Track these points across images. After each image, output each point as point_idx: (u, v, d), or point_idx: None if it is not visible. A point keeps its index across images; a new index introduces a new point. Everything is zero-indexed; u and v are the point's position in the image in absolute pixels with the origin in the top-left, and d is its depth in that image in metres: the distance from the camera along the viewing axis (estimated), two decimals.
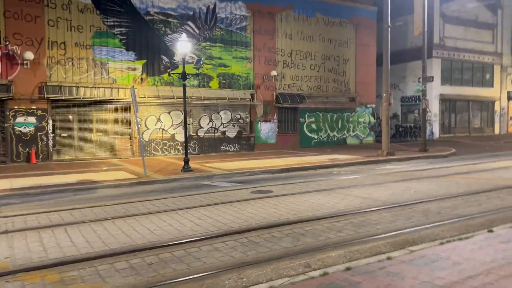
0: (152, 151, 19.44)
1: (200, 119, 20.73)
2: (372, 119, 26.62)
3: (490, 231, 5.87)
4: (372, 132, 26.77)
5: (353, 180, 12.03)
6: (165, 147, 19.73)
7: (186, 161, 13.89)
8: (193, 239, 6.28)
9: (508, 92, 33.51)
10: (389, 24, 18.67)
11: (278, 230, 6.63)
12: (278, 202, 8.89)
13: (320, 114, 24.73)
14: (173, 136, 19.89)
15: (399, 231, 6.42)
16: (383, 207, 8.06)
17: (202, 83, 20.71)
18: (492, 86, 32.72)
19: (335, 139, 25.40)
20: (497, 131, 33.05)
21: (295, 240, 6.12)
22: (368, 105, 26.43)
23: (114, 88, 18.57)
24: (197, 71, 19.45)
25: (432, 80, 21.22)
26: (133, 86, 14.58)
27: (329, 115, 25.07)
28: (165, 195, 10.20)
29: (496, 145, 24.66)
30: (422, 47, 20.25)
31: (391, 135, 29.43)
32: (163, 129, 19.73)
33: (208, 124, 20.94)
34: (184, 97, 14.33)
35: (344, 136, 25.74)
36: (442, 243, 5.37)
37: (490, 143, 25.83)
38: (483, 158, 17.49)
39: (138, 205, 8.99)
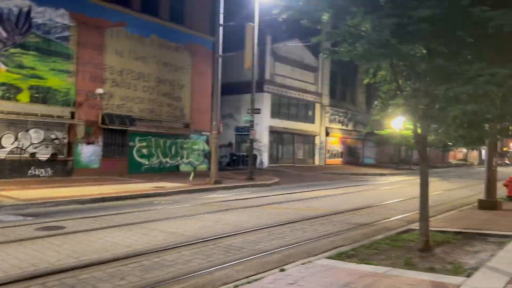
0: None
1: (2, 137, 17.34)
2: (206, 147, 26.53)
3: (282, 270, 5.57)
4: (206, 159, 26.63)
5: (168, 211, 11.14)
6: None
7: None
8: None
9: (327, 128, 37.79)
10: (221, 54, 18.90)
11: (41, 282, 5.21)
12: (65, 241, 7.36)
13: (153, 139, 23.51)
14: None
15: (192, 274, 5.69)
16: (185, 244, 7.30)
17: (7, 94, 17.48)
18: (313, 122, 36.46)
19: (168, 165, 24.41)
20: (317, 162, 36.73)
21: None
22: (203, 133, 26.31)
23: None
24: None
25: (259, 112, 22.28)
26: None
27: (162, 141, 24.03)
28: None
29: (315, 175, 27.09)
30: (251, 80, 21.10)
31: (226, 163, 29.89)
32: None
33: (12, 144, 17.63)
34: None
35: (177, 163, 24.95)
36: None
37: (310, 173, 28.30)
38: (301, 187, 18.67)
39: None
